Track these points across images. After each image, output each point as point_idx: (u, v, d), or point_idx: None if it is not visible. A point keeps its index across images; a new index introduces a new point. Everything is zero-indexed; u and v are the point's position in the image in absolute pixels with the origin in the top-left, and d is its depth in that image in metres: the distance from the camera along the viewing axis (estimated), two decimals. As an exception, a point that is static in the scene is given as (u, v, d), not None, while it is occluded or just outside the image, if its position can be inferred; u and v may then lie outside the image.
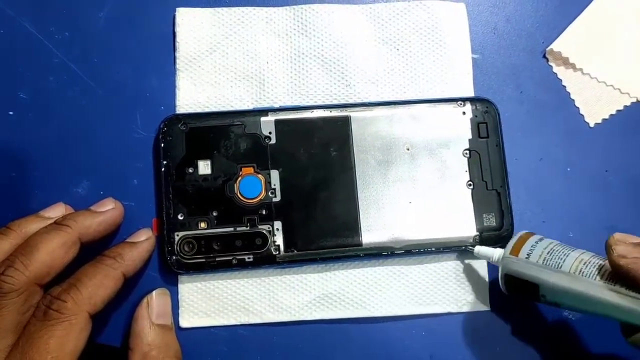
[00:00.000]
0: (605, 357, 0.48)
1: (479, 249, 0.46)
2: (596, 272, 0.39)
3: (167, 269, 0.46)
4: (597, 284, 0.38)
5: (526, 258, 0.42)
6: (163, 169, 0.46)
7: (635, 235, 0.39)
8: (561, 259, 0.41)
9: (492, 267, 0.48)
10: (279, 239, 0.46)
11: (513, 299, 0.46)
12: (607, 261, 0.39)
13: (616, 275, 0.38)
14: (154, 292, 0.45)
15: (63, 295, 0.39)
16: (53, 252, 0.40)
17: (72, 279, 0.40)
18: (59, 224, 0.42)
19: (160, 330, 0.43)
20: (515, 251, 0.43)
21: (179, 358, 0.43)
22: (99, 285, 0.40)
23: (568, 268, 0.40)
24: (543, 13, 0.52)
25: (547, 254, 0.42)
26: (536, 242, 0.43)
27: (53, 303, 0.38)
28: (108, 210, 0.44)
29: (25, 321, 0.39)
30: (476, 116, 0.49)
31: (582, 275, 0.39)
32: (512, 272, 0.43)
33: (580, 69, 0.51)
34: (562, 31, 0.51)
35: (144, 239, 0.45)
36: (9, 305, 0.38)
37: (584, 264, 0.40)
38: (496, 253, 0.45)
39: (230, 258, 0.46)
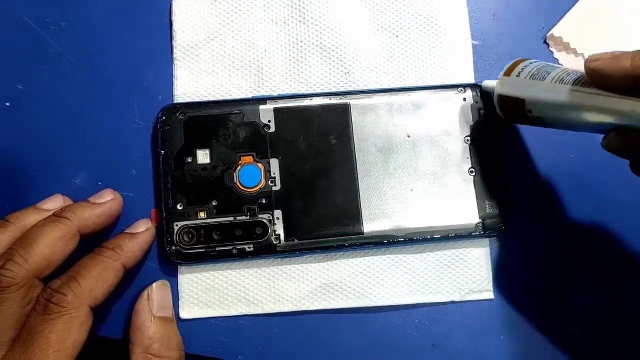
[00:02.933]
0: (610, 349, 0.48)
1: (486, 82, 0.47)
2: (574, 80, 0.39)
3: (167, 259, 0.46)
4: (574, 88, 0.38)
5: (517, 77, 0.43)
6: (162, 159, 0.46)
7: None
8: (547, 72, 0.41)
9: (495, 254, 0.48)
10: (280, 229, 0.46)
11: (517, 288, 0.47)
12: None
13: (591, 79, 0.37)
14: (154, 285, 0.45)
15: (63, 289, 0.38)
16: (53, 245, 0.40)
17: (72, 272, 0.40)
18: (58, 216, 0.42)
19: (161, 323, 0.43)
20: (508, 73, 0.44)
21: (182, 350, 0.43)
22: (99, 277, 0.40)
23: (551, 79, 0.40)
24: (543, -2, 0.52)
25: (536, 70, 0.42)
26: (530, 64, 0.44)
27: (53, 297, 0.38)
28: (107, 202, 0.44)
29: (26, 315, 0.38)
30: (477, 102, 0.48)
31: (562, 84, 0.39)
32: (503, 92, 0.44)
33: (582, 55, 0.51)
34: (563, 16, 0.51)
35: (144, 229, 0.45)
36: (9, 299, 0.38)
37: (565, 74, 0.40)
38: (495, 81, 0.46)
39: (231, 248, 0.46)
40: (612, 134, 0.37)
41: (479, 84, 0.49)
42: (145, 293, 0.44)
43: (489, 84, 0.47)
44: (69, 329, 0.38)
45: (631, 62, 0.34)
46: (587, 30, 0.51)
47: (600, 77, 0.36)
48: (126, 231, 0.45)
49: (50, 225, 0.41)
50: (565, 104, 0.39)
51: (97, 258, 0.41)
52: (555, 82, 0.40)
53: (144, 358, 0.41)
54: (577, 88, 0.38)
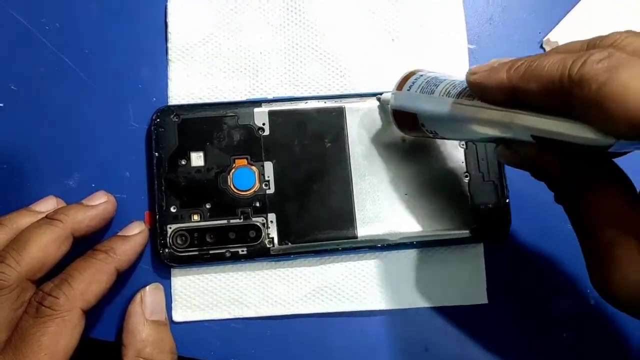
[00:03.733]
0: (602, 355, 0.48)
1: (384, 96, 0.47)
2: (459, 92, 0.38)
3: (160, 262, 0.45)
4: (458, 101, 0.38)
5: (408, 91, 0.43)
6: (155, 161, 0.46)
7: None
8: (435, 85, 0.40)
9: (489, 259, 0.48)
10: (273, 232, 0.46)
11: (511, 293, 0.46)
12: None
13: (472, 92, 0.37)
14: (147, 288, 0.44)
15: (55, 292, 0.38)
16: (45, 247, 0.40)
17: (64, 274, 0.40)
18: (50, 218, 0.41)
19: (154, 326, 0.42)
20: (400, 87, 0.44)
21: (174, 353, 0.43)
22: (91, 280, 0.40)
23: (439, 92, 0.40)
24: (539, 3, 0.52)
25: (425, 83, 0.41)
26: (420, 76, 0.43)
27: (45, 299, 0.38)
28: (100, 204, 0.44)
29: (18, 317, 0.38)
30: (472, 107, 0.48)
31: (447, 97, 0.39)
32: (396, 106, 0.44)
33: (577, 59, 0.51)
34: (559, 21, 0.51)
35: (137, 232, 0.45)
36: (1, 301, 0.38)
37: (452, 87, 0.39)
38: (389, 95, 0.45)
39: (224, 251, 0.45)
40: (500, 147, 0.37)
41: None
42: (138, 296, 0.44)
43: (386, 97, 0.46)
44: (60, 331, 0.38)
45: (506, 74, 0.33)
46: (583, 35, 0.50)
47: (479, 90, 0.35)
48: (119, 233, 0.45)
49: (43, 227, 0.41)
50: (452, 117, 0.38)
51: (89, 260, 0.41)
52: (443, 95, 0.39)
53: (136, 361, 0.41)
54: (461, 101, 0.37)
